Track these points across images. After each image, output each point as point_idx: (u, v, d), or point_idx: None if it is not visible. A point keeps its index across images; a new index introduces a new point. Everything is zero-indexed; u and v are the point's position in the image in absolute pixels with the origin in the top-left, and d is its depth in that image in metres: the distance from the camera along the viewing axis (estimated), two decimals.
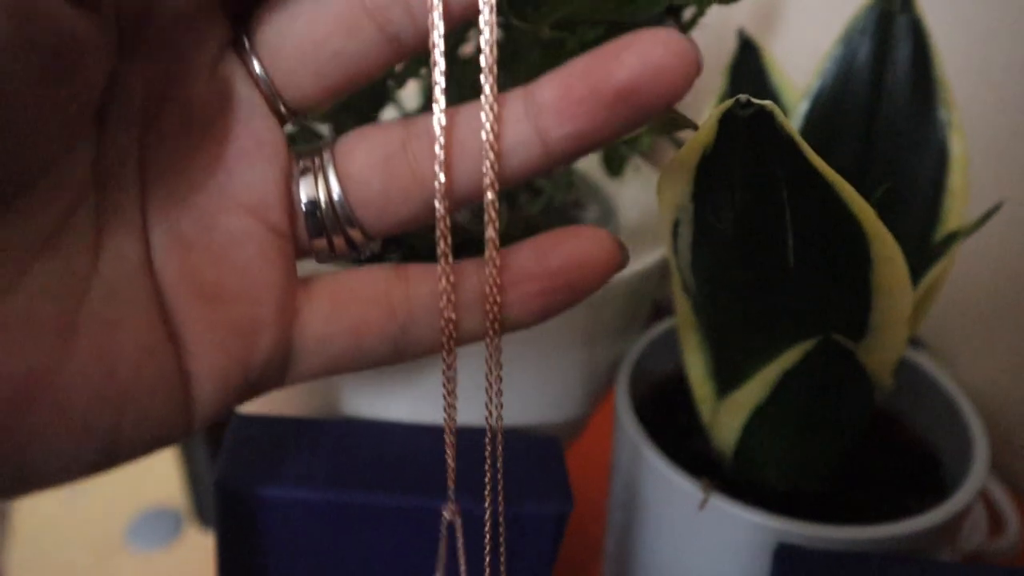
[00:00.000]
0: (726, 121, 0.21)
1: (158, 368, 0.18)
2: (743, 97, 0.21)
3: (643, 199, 0.40)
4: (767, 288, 0.26)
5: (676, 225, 0.27)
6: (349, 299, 0.20)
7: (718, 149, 0.22)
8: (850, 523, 0.28)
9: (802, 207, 0.23)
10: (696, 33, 0.33)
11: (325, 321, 0.20)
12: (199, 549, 0.56)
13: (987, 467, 0.31)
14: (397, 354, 0.21)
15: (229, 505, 0.28)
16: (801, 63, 0.36)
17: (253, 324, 0.19)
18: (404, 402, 0.33)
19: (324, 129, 0.32)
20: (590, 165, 0.43)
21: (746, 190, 0.23)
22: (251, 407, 0.37)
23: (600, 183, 0.42)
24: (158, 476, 0.62)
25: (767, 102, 0.20)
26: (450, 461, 0.22)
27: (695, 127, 0.23)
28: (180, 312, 0.19)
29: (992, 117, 0.46)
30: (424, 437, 0.31)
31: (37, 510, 0.60)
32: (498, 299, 0.20)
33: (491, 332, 0.20)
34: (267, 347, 0.20)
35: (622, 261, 0.20)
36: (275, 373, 0.20)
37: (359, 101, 0.32)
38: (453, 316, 0.20)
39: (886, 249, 0.23)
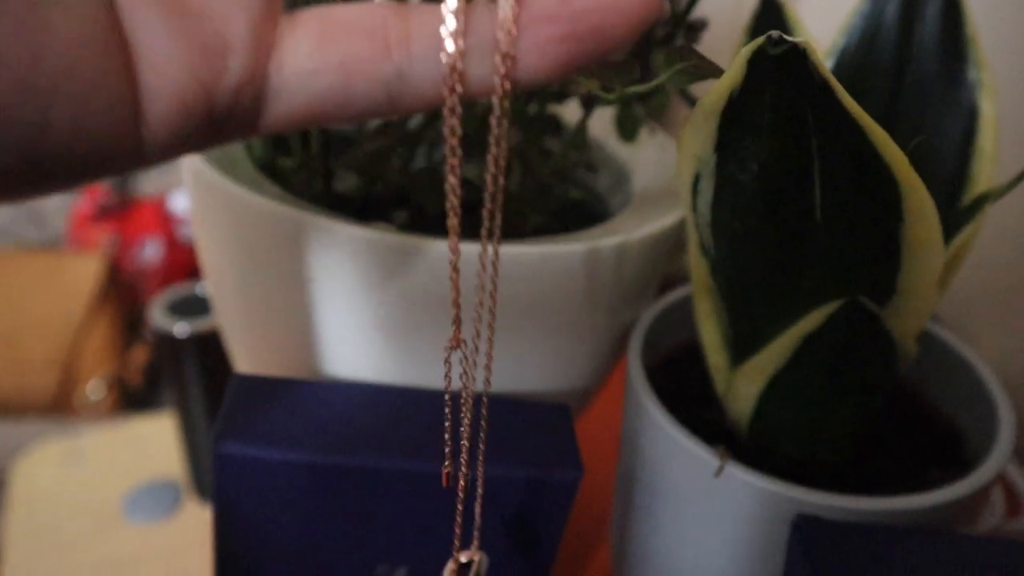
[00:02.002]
0: (756, 61, 0.20)
1: (98, 67, 0.16)
2: (775, 33, 0.19)
3: (657, 164, 0.39)
4: (791, 246, 0.25)
5: (696, 180, 0.25)
6: (339, 31, 0.18)
7: (745, 92, 0.21)
8: (870, 495, 0.27)
9: (832, 156, 0.22)
10: None
11: (309, 55, 0.18)
12: (198, 523, 0.55)
13: (1013, 441, 0.30)
14: (390, 102, 0.18)
15: (227, 466, 0.27)
16: (824, 21, 0.35)
17: (221, 43, 0.17)
18: (405, 364, 0.32)
19: None
20: (604, 129, 0.41)
21: (773, 137, 0.22)
22: (251, 367, 0.36)
23: (614, 147, 0.41)
24: (158, 449, 0.61)
25: (800, 39, 0.19)
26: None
27: (721, 72, 0.22)
28: (135, 13, 0.17)
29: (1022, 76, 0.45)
30: (423, 400, 0.30)
31: (34, 479, 0.59)
32: (513, 30, 0.17)
33: (502, 81, 0.17)
34: (237, 73, 0.18)
35: (657, 8, 0.17)
36: (247, 108, 0.18)
37: None
38: (461, 45, 0.17)
39: (919, 203, 0.22)
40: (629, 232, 0.32)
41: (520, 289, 0.30)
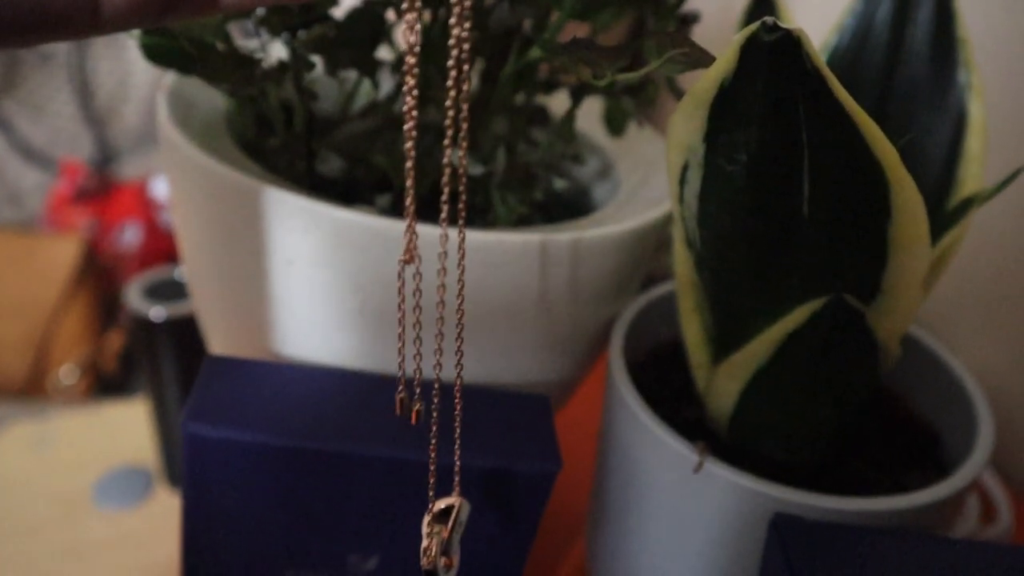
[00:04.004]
0: (749, 48, 0.20)
1: None
2: (769, 20, 0.19)
3: (643, 158, 0.39)
4: (778, 240, 0.25)
5: (684, 171, 0.25)
6: None
7: (737, 80, 0.21)
8: (849, 495, 0.27)
9: (822, 148, 0.21)
10: None
11: None
12: (168, 510, 0.55)
13: (992, 445, 0.30)
14: None
15: (195, 447, 0.27)
16: (816, 19, 0.35)
17: None
18: (381, 349, 0.31)
19: (317, 60, 0.31)
20: (591, 123, 0.41)
21: (763, 127, 0.21)
22: (226, 349, 0.35)
23: (601, 141, 0.40)
24: (129, 434, 0.61)
25: (795, 27, 0.19)
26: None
27: (713, 60, 0.22)
28: None
29: (1013, 80, 0.45)
30: (395, 387, 0.30)
31: (3, 462, 0.58)
32: None
33: None
34: None
35: None
36: None
37: (355, 34, 0.31)
38: None
39: (908, 199, 0.22)
40: (598, 228, 0.31)
41: (482, 276, 0.29)
